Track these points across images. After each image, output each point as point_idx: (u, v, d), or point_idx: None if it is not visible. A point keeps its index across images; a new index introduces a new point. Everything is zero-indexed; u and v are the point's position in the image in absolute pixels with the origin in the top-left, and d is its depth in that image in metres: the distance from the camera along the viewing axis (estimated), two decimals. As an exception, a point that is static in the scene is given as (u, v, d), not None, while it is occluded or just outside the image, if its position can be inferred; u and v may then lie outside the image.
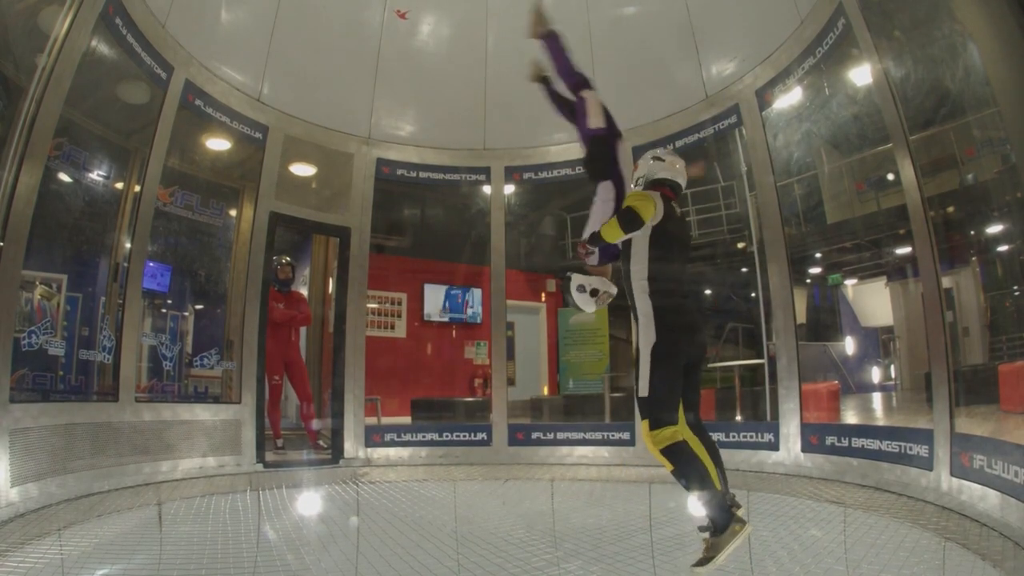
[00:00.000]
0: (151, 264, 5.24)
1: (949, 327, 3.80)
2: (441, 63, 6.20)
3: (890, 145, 4.28)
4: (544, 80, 3.83)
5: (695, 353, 2.76)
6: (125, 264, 4.78)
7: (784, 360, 4.95)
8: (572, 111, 3.51)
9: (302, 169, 6.11)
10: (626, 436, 5.69)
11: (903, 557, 2.58)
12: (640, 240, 2.68)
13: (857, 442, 4.32)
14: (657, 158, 2.93)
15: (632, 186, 2.98)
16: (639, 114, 6.12)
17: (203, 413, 5.06)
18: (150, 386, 5.35)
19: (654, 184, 2.89)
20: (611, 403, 7.08)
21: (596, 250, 2.83)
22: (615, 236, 2.61)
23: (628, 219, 2.55)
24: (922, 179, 3.91)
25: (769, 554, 2.78)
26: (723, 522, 2.41)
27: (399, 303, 8.90)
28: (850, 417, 6.20)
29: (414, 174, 6.51)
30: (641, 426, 2.54)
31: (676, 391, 2.59)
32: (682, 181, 2.96)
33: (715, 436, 5.18)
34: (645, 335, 2.59)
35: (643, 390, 2.54)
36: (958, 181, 6.11)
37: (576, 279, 2.88)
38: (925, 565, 2.47)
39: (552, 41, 3.63)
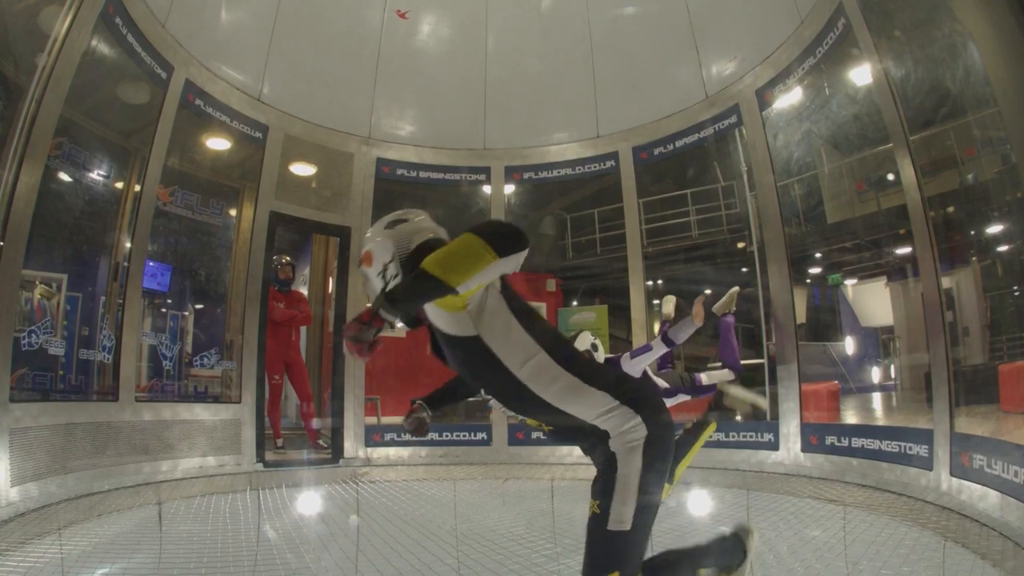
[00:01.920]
0: (151, 264, 5.24)
1: (949, 327, 3.80)
2: (441, 63, 6.20)
3: (890, 145, 4.29)
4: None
5: None
6: (125, 264, 4.79)
7: (784, 360, 4.96)
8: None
9: (302, 169, 6.11)
10: (626, 436, 5.69)
11: (903, 556, 2.58)
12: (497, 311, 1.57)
13: (857, 442, 4.33)
14: (397, 221, 1.71)
15: (378, 278, 1.69)
16: (639, 114, 6.14)
17: (203, 413, 5.06)
18: (150, 386, 5.35)
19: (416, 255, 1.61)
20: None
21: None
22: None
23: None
24: (922, 179, 3.92)
25: (770, 552, 2.78)
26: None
27: (399, 303, 8.87)
28: (850, 417, 6.20)
29: (414, 174, 6.51)
30: None
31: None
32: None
33: (715, 436, 5.23)
34: (621, 428, 1.53)
35: (621, 519, 1.48)
36: (958, 181, 6.10)
37: None
38: (925, 564, 2.47)
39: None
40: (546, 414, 1.57)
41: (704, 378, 3.98)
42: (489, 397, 1.66)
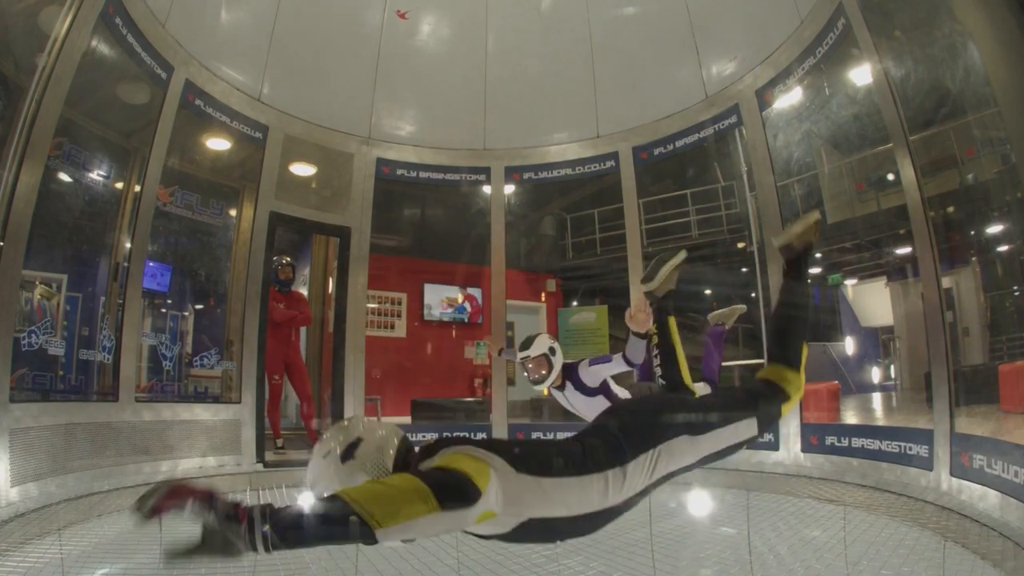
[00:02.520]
0: (151, 264, 5.24)
1: (949, 327, 3.80)
2: (441, 63, 6.20)
3: (890, 145, 4.28)
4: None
5: None
6: (125, 264, 4.78)
7: (784, 360, 4.95)
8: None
9: (302, 169, 6.11)
10: (626, 436, 5.68)
11: (903, 556, 2.58)
12: None
13: (857, 442, 4.33)
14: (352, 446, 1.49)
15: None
16: (639, 114, 6.13)
17: (203, 413, 5.06)
18: (150, 386, 5.35)
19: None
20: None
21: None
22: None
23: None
24: (922, 179, 3.91)
25: (770, 552, 2.78)
26: None
27: (399, 303, 8.90)
28: (850, 417, 6.20)
29: (414, 174, 6.51)
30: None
31: None
32: None
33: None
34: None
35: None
36: (958, 181, 6.11)
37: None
38: (925, 564, 2.47)
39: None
40: (627, 506, 1.58)
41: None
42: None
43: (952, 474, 3.47)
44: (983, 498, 3.14)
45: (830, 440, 4.54)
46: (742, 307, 3.83)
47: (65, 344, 4.46)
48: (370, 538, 1.08)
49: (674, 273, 2.12)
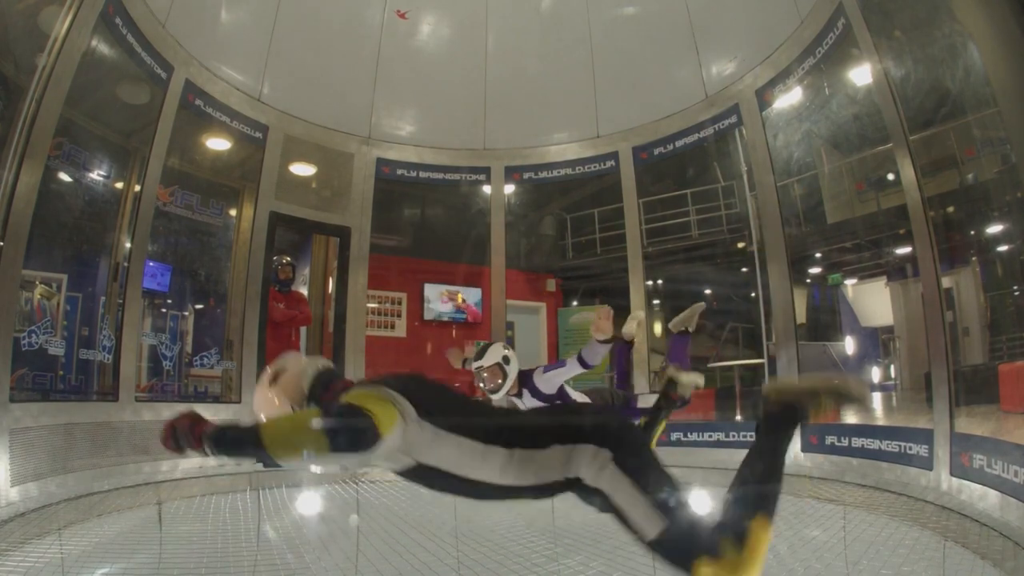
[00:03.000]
0: (151, 264, 5.24)
1: (949, 327, 3.80)
2: (441, 63, 6.20)
3: (890, 145, 4.28)
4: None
5: None
6: (125, 264, 4.79)
7: (784, 360, 4.95)
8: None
9: (302, 169, 6.12)
10: (626, 436, 5.69)
11: (903, 556, 2.58)
12: None
13: (857, 442, 4.33)
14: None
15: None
16: (639, 114, 6.14)
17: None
18: (150, 386, 5.35)
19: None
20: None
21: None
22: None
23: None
24: (922, 179, 3.91)
25: (770, 552, 2.78)
26: None
27: (399, 303, 8.89)
28: (850, 417, 6.19)
29: (414, 174, 6.51)
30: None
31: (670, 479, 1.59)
32: None
33: (715, 436, 5.23)
34: (587, 464, 1.53)
35: (650, 525, 1.45)
36: (958, 181, 6.11)
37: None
38: (925, 564, 2.47)
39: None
40: (523, 492, 1.55)
41: (641, 401, 3.62)
42: None
43: (952, 474, 3.47)
44: (983, 498, 3.14)
45: (830, 440, 4.54)
46: (700, 305, 3.76)
47: (65, 344, 4.46)
48: (273, 463, 1.37)
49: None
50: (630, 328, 3.79)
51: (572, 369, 3.34)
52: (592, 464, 1.48)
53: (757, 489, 1.49)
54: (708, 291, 9.90)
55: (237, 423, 1.43)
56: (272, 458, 1.34)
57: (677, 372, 2.23)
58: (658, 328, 9.60)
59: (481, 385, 3.41)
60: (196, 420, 1.41)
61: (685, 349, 3.67)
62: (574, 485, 1.52)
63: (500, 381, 3.36)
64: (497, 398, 3.41)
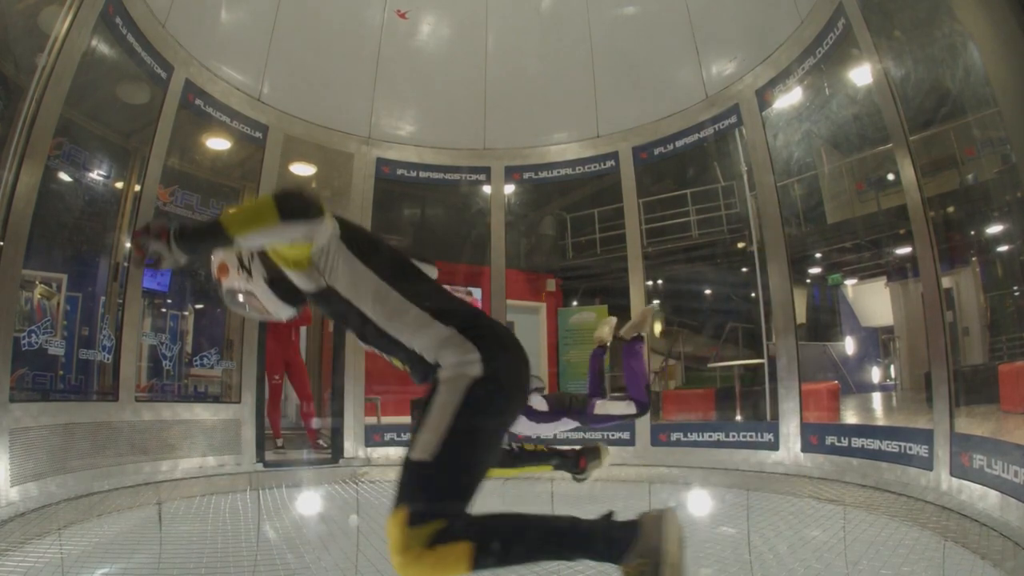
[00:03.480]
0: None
1: (949, 327, 3.80)
2: (441, 63, 6.20)
3: (890, 145, 4.28)
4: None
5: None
6: (125, 264, 4.79)
7: (784, 360, 4.95)
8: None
9: (302, 169, 6.12)
10: (626, 436, 5.68)
11: (903, 556, 2.58)
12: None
13: (857, 442, 4.32)
14: None
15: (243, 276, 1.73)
16: (639, 114, 6.13)
17: (203, 413, 5.06)
18: (150, 386, 5.35)
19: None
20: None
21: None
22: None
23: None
24: (922, 179, 3.91)
25: (770, 552, 2.79)
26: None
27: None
28: (850, 417, 6.20)
29: (414, 174, 6.51)
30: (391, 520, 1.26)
31: (484, 469, 1.40)
32: None
33: (715, 436, 5.23)
34: (454, 361, 1.43)
35: (424, 447, 1.32)
36: (958, 181, 6.11)
37: None
38: (925, 564, 2.47)
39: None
40: (400, 351, 1.53)
41: (598, 406, 3.45)
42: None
43: (952, 474, 3.47)
44: (983, 498, 3.14)
45: (830, 440, 4.54)
46: (651, 307, 3.68)
47: (65, 344, 4.46)
48: (227, 241, 1.41)
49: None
50: (601, 333, 3.75)
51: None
52: (456, 368, 1.41)
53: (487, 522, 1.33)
54: (708, 291, 9.91)
55: (194, 222, 1.50)
56: (229, 236, 1.39)
57: (592, 462, 2.11)
58: (658, 328, 9.60)
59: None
60: (163, 222, 1.44)
61: (640, 358, 3.60)
62: (430, 374, 1.48)
63: None
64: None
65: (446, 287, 1.70)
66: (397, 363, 1.61)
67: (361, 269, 1.51)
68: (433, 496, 1.29)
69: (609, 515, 1.41)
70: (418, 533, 1.23)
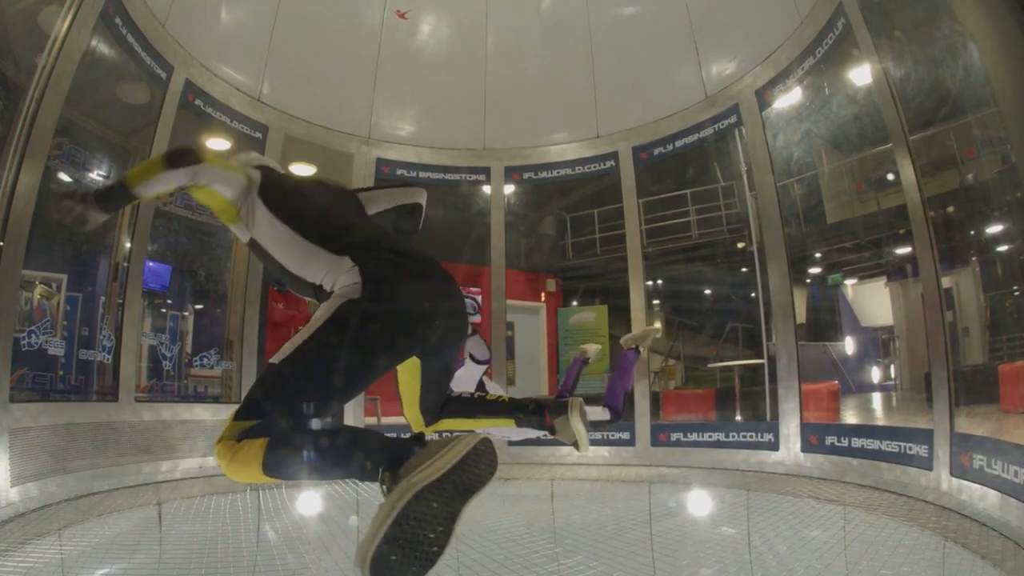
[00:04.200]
0: (151, 264, 5.24)
1: (949, 327, 3.80)
2: (441, 63, 6.20)
3: (890, 145, 4.28)
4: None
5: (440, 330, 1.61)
6: (125, 264, 4.79)
7: (784, 360, 4.95)
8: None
9: (302, 169, 6.11)
10: (626, 436, 5.69)
11: (903, 556, 2.58)
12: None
13: (857, 442, 4.33)
14: None
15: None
16: (639, 114, 6.13)
17: (203, 413, 5.06)
18: (150, 386, 5.35)
19: None
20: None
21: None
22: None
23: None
24: (922, 179, 3.91)
25: (770, 552, 2.78)
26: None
27: (399, 303, 8.89)
28: (850, 417, 6.20)
29: (414, 174, 6.51)
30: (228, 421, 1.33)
31: (347, 389, 1.45)
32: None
33: (715, 436, 5.23)
34: (339, 284, 1.52)
35: (282, 351, 1.41)
36: (958, 181, 6.12)
37: None
38: (925, 564, 2.47)
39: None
40: (310, 290, 1.62)
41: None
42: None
43: (952, 474, 3.47)
44: (983, 498, 3.14)
45: (830, 440, 4.54)
46: (657, 328, 3.76)
47: (65, 344, 4.46)
48: (130, 195, 1.56)
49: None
50: (588, 347, 3.94)
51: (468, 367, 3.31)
52: (339, 291, 1.49)
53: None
54: (708, 291, 9.92)
55: (107, 186, 1.64)
56: (130, 188, 1.54)
57: (558, 417, 2.00)
58: (657, 326, 9.59)
59: None
60: (84, 189, 1.69)
61: (629, 369, 3.65)
62: (320, 293, 1.59)
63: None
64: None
65: (365, 217, 1.86)
66: (313, 304, 1.68)
67: (271, 218, 1.64)
68: (266, 396, 1.34)
69: (420, 436, 1.38)
70: (236, 426, 1.29)
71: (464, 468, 1.26)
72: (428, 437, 1.38)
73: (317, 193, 1.84)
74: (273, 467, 1.26)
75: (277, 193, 1.70)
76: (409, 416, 1.99)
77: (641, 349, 3.74)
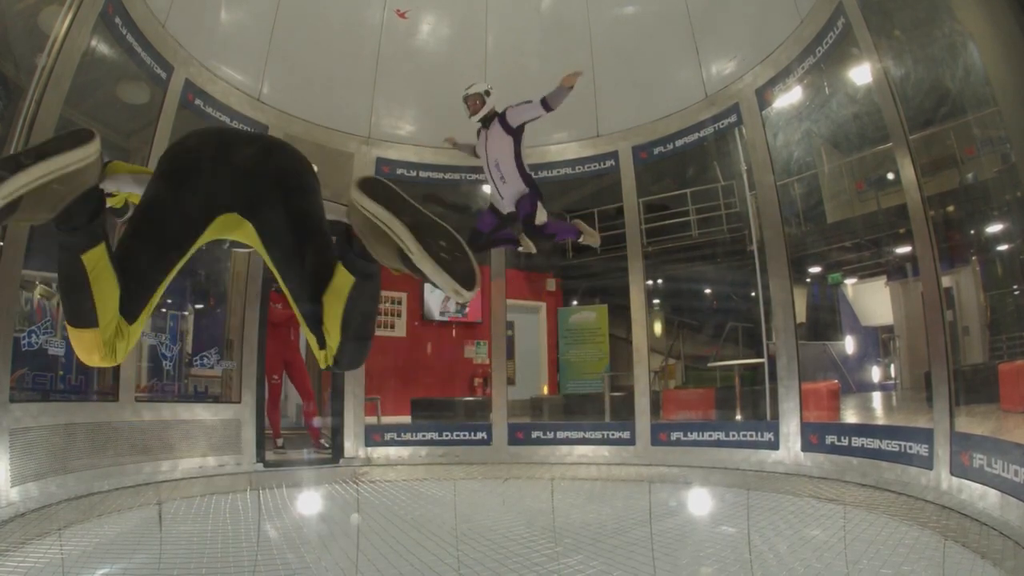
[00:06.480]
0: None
1: (949, 326, 3.80)
2: (441, 63, 6.20)
3: (890, 144, 4.28)
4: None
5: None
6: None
7: (784, 359, 4.95)
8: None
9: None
10: (626, 435, 5.69)
11: (903, 556, 2.58)
12: None
13: (857, 441, 4.33)
14: None
15: None
16: (639, 114, 6.13)
17: (203, 413, 5.06)
18: (150, 386, 5.35)
19: None
20: (611, 402, 7.09)
21: None
22: None
23: None
24: (922, 178, 3.91)
25: (770, 552, 2.79)
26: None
27: (399, 303, 8.91)
28: (850, 416, 6.20)
29: (414, 174, 6.51)
30: None
31: (159, 257, 1.46)
32: None
33: (715, 435, 5.23)
34: None
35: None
36: (958, 180, 6.12)
37: None
38: (925, 564, 2.47)
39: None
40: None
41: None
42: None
43: (952, 473, 3.47)
44: (983, 497, 3.14)
45: (830, 439, 4.54)
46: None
47: (65, 344, 4.45)
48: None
49: None
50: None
51: (536, 109, 4.31)
52: None
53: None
54: (708, 290, 9.91)
55: None
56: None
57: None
58: (658, 328, 9.60)
59: (466, 108, 4.56)
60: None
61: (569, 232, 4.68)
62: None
63: (480, 105, 4.50)
64: (475, 120, 4.58)
65: None
66: None
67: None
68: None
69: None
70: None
71: None
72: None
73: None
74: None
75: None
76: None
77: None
